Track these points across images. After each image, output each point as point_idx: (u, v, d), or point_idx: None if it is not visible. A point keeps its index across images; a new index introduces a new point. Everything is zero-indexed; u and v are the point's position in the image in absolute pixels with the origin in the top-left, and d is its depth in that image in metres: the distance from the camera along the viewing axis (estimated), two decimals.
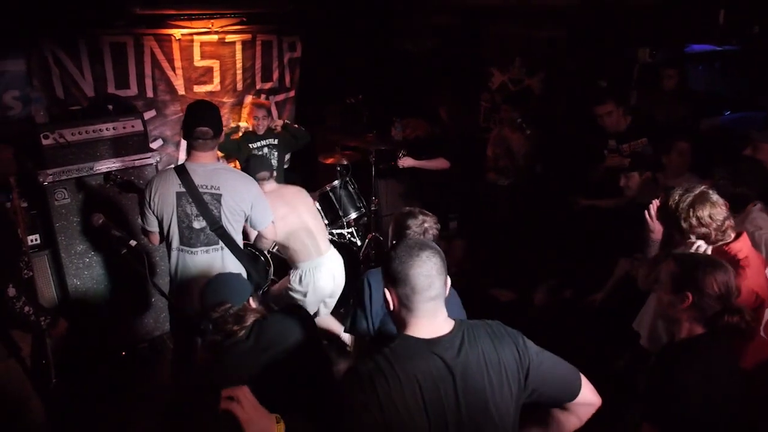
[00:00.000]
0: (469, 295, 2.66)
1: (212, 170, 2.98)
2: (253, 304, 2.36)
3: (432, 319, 1.71)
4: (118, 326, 4.16)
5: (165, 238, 3.05)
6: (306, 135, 5.39)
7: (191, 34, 4.91)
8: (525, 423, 1.83)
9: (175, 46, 4.86)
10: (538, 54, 5.63)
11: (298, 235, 3.79)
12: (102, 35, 4.45)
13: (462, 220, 5.39)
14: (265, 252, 4.51)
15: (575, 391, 1.79)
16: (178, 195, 2.92)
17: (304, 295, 3.91)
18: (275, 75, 5.63)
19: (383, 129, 5.63)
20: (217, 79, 5.23)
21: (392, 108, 5.88)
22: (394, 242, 2.63)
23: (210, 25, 4.93)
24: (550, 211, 4.95)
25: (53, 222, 3.86)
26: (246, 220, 3.12)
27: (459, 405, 1.63)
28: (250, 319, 2.27)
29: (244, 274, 3.03)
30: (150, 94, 4.85)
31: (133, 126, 4.14)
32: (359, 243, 5.20)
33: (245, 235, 3.54)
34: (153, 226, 3.04)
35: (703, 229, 2.31)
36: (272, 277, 4.40)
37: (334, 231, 5.06)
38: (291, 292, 3.90)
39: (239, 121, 5.51)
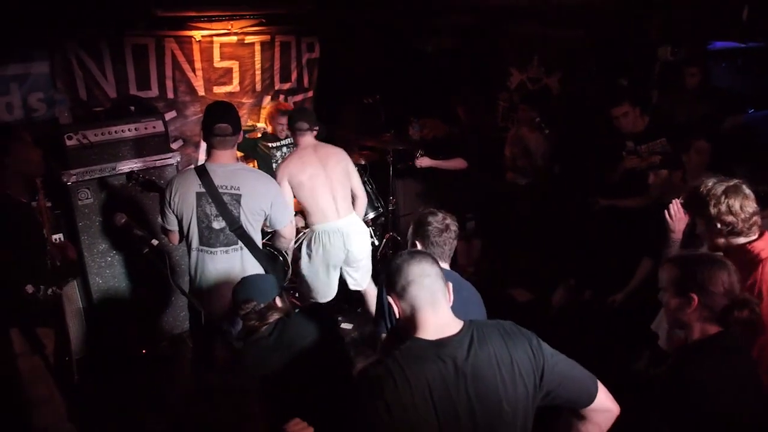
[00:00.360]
0: (487, 295, 2.66)
1: (232, 170, 3.01)
2: (279, 303, 2.41)
3: (438, 318, 1.74)
4: (138, 324, 4.22)
5: (185, 238, 3.09)
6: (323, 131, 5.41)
7: (211, 36, 4.96)
8: None
9: (196, 48, 4.92)
10: (557, 53, 5.59)
11: (320, 196, 3.84)
12: (124, 37, 4.52)
13: (480, 220, 5.37)
14: (284, 252, 4.53)
15: (591, 395, 1.77)
16: (198, 195, 2.96)
17: (309, 258, 3.97)
18: (294, 75, 5.67)
19: (401, 129, 5.63)
20: (236, 80, 5.28)
21: (410, 108, 5.88)
22: (415, 242, 2.65)
23: (229, 27, 4.97)
24: (568, 210, 4.91)
25: (76, 221, 3.93)
26: (265, 220, 3.14)
27: (471, 406, 1.63)
28: (274, 317, 2.33)
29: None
30: (171, 95, 4.92)
31: (154, 127, 4.19)
32: (377, 243, 5.21)
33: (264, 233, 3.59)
34: (173, 225, 3.08)
35: (731, 218, 2.26)
36: (291, 276, 4.43)
37: None
38: (299, 259, 4.02)
39: (258, 122, 5.55)
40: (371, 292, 4.23)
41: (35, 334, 2.83)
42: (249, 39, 5.20)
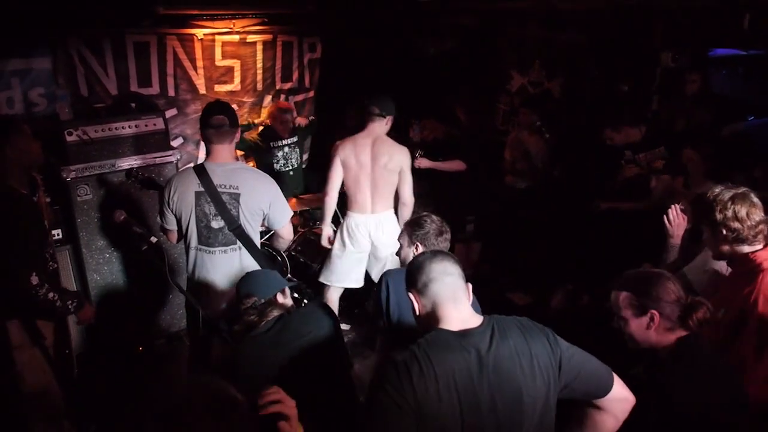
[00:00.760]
0: (486, 298, 2.66)
1: (231, 169, 3.00)
2: (280, 299, 2.40)
3: (460, 313, 1.79)
4: (135, 321, 4.22)
5: (183, 238, 3.08)
6: (313, 123, 5.52)
7: (213, 34, 4.97)
8: (563, 427, 1.85)
9: (197, 46, 4.92)
10: (559, 57, 5.60)
11: (360, 187, 3.91)
12: (126, 34, 4.53)
13: (479, 222, 5.38)
14: (282, 253, 4.53)
15: (608, 385, 1.81)
16: (197, 194, 2.95)
17: (337, 238, 4.07)
18: (295, 75, 5.67)
19: (401, 130, 5.63)
20: (237, 79, 5.28)
21: (410, 109, 5.88)
22: (417, 244, 2.67)
23: (232, 26, 4.98)
24: (567, 214, 4.91)
25: (75, 217, 3.92)
26: (264, 219, 3.14)
27: (493, 396, 1.67)
28: (274, 314, 2.32)
29: None
30: (172, 92, 4.92)
31: (154, 124, 4.18)
32: None
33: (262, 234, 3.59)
34: (171, 225, 3.08)
35: (737, 224, 2.25)
36: (289, 276, 4.42)
37: None
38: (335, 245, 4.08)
39: (259, 120, 5.55)
40: None
41: (35, 325, 2.83)
42: (251, 38, 5.21)
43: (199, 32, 4.88)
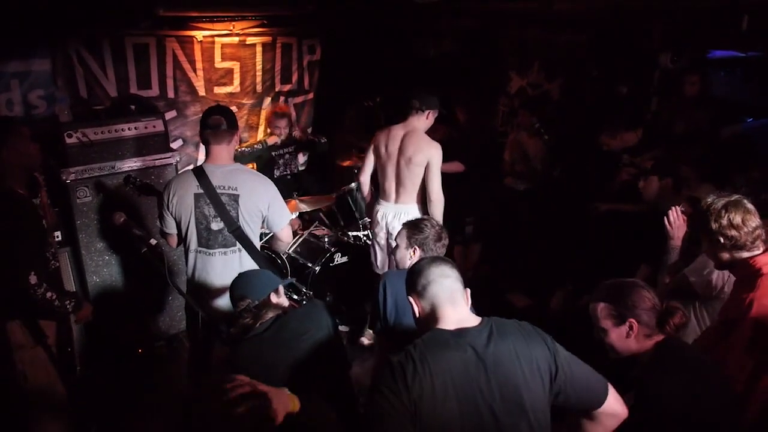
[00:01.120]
0: (485, 299, 2.68)
1: (230, 171, 3.00)
2: (274, 299, 2.39)
3: (458, 314, 1.83)
4: (135, 324, 4.21)
5: (183, 240, 3.08)
6: (324, 146, 5.45)
7: (212, 36, 4.97)
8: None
9: (197, 48, 4.93)
10: (558, 59, 5.61)
11: (386, 175, 4.06)
12: (125, 36, 4.53)
13: (479, 224, 5.38)
14: (282, 255, 4.54)
15: (601, 397, 1.82)
16: (197, 196, 2.95)
17: (372, 232, 4.27)
18: (294, 77, 5.68)
19: None
20: (237, 81, 5.28)
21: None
22: (415, 247, 2.68)
23: (231, 27, 4.98)
24: (567, 216, 4.92)
25: (75, 219, 3.92)
26: (263, 222, 3.14)
27: (491, 393, 1.68)
28: (269, 315, 2.30)
29: None
30: (171, 94, 4.92)
31: (154, 126, 4.18)
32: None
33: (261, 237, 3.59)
34: (171, 229, 3.08)
35: (733, 232, 2.26)
36: (291, 279, 4.42)
37: (350, 233, 5.08)
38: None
39: (258, 122, 5.55)
40: None
41: (37, 325, 2.84)
42: (250, 40, 5.21)
43: (199, 34, 4.88)
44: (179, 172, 4.04)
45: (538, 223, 5.10)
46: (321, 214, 5.13)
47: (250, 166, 5.08)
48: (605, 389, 1.83)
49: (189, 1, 4.36)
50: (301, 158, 5.60)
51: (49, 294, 2.70)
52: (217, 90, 5.18)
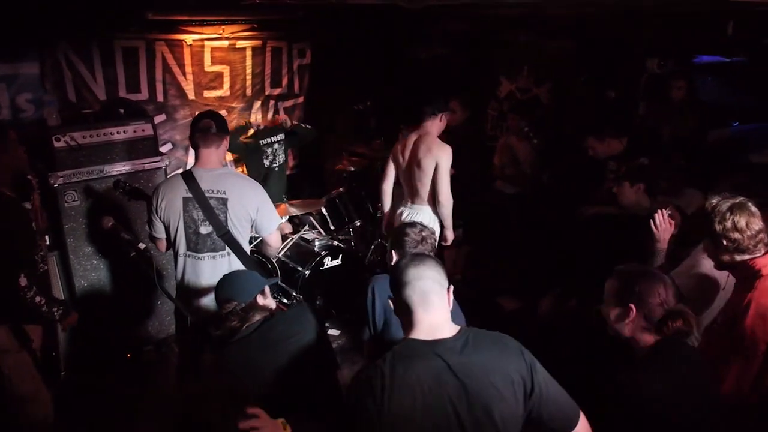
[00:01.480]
0: (474, 303, 2.68)
1: (219, 175, 3.00)
2: (260, 301, 2.38)
3: (431, 319, 1.78)
4: (123, 328, 4.19)
5: (172, 245, 3.07)
6: (312, 131, 5.43)
7: (202, 40, 4.96)
8: None
9: (186, 52, 4.91)
10: (547, 63, 5.65)
11: (403, 180, 4.25)
12: (114, 40, 4.51)
13: (468, 227, 5.39)
14: (272, 259, 4.53)
15: (573, 422, 1.80)
16: (185, 200, 2.94)
17: None
18: (284, 81, 5.68)
19: (391, 136, 5.65)
20: (227, 85, 5.28)
21: (400, 115, 5.90)
22: (392, 250, 2.70)
23: (221, 31, 4.97)
24: (556, 219, 4.94)
25: (63, 223, 3.90)
26: (252, 226, 3.13)
27: (461, 406, 1.65)
28: (256, 317, 2.29)
29: None
30: (160, 98, 4.90)
31: (143, 130, 4.17)
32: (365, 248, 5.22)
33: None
34: (160, 233, 3.07)
35: (737, 235, 2.27)
36: (281, 283, 4.42)
37: (340, 237, 5.08)
38: None
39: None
40: None
41: (23, 329, 2.83)
42: (240, 44, 5.21)
43: (188, 38, 4.87)
44: (168, 176, 4.03)
45: (528, 227, 5.13)
46: (311, 218, 5.13)
47: (240, 169, 5.08)
48: (577, 415, 1.81)
49: (179, 5, 4.35)
50: (291, 161, 5.61)
51: (38, 299, 2.71)
52: (207, 94, 5.17)
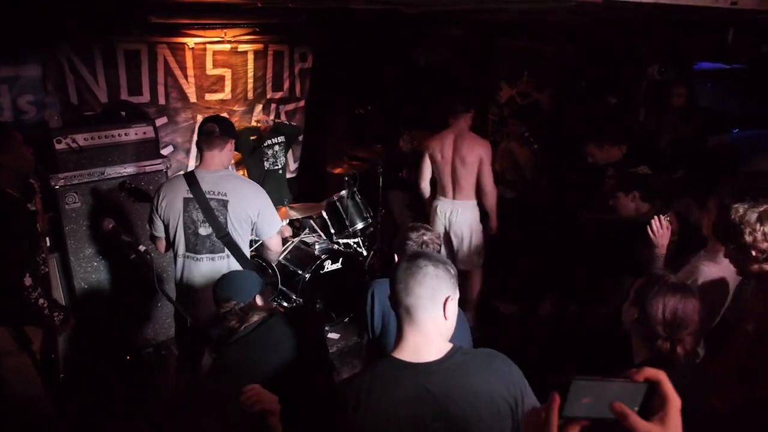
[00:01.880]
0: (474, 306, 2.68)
1: (220, 176, 3.02)
2: (259, 301, 2.38)
3: (419, 341, 1.64)
4: (123, 330, 4.19)
5: (171, 245, 3.08)
6: (297, 128, 5.50)
7: (204, 43, 4.97)
8: None
9: (188, 55, 4.93)
10: (547, 69, 5.66)
11: (443, 176, 4.46)
12: (116, 42, 4.52)
13: None
14: (273, 264, 4.53)
15: None
16: (186, 201, 2.96)
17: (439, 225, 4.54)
18: (286, 84, 5.69)
19: (392, 140, 5.66)
20: (228, 88, 5.29)
21: (401, 120, 5.92)
22: (395, 254, 2.69)
23: (223, 35, 4.99)
24: (556, 224, 4.95)
25: (63, 225, 3.90)
26: (252, 229, 3.14)
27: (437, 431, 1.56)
28: (255, 317, 2.29)
29: None
30: (162, 101, 4.92)
31: (144, 132, 4.18)
32: (365, 253, 5.23)
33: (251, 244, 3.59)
34: (160, 232, 3.08)
35: (766, 245, 2.23)
36: (281, 287, 4.42)
37: (341, 240, 5.09)
38: None
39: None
40: (475, 279, 4.71)
41: (24, 332, 2.84)
42: (242, 47, 5.22)
43: (190, 41, 4.88)
44: (171, 177, 4.04)
45: (527, 231, 5.13)
46: (311, 222, 5.14)
47: (241, 172, 5.08)
48: None
49: (181, 8, 4.37)
50: (292, 165, 5.61)
51: (41, 301, 2.72)
52: (209, 97, 5.18)
